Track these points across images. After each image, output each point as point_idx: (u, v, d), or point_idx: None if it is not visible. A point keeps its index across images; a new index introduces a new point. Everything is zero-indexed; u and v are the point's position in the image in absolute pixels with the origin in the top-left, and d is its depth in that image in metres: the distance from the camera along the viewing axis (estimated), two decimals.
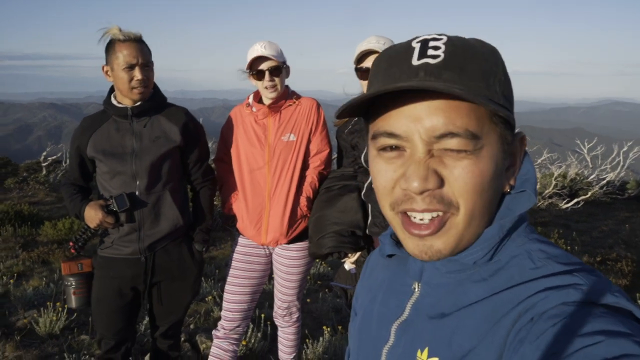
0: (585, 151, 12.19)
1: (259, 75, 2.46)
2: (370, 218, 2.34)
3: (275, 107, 2.52)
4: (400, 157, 0.67)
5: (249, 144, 2.54)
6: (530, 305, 0.62)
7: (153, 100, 2.34)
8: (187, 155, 2.44)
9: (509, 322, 0.63)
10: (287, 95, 2.56)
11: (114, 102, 2.32)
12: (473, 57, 0.65)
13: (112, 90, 2.36)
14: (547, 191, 10.18)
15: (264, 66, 2.44)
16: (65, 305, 3.58)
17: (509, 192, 0.72)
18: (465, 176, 0.65)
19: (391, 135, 0.67)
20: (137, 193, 2.28)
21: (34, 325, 3.58)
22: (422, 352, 0.70)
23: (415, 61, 0.66)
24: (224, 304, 2.67)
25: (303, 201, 2.58)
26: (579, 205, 9.59)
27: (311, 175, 2.61)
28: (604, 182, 10.92)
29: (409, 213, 0.68)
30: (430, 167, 0.65)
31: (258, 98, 2.60)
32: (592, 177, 11.40)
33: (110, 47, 2.23)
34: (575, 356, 0.54)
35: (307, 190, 2.60)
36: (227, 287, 2.66)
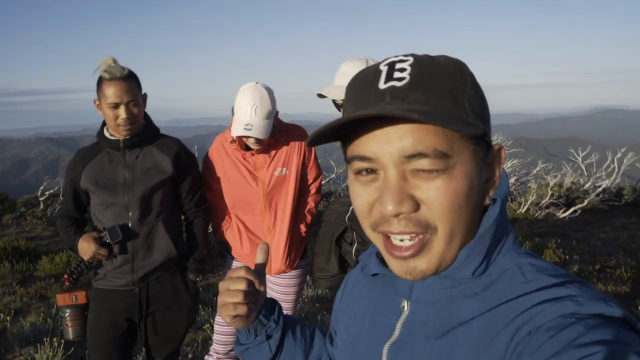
0: (580, 159, 12.24)
1: (242, 142, 2.47)
2: (355, 245, 2.38)
3: (262, 147, 2.50)
4: (375, 180, 0.68)
5: (241, 178, 2.53)
6: (527, 319, 0.62)
7: (145, 132, 2.36)
8: (180, 186, 2.44)
9: (507, 337, 0.63)
10: (273, 129, 2.49)
11: (106, 134, 2.34)
12: (439, 75, 0.66)
13: (105, 122, 2.37)
14: (543, 201, 10.18)
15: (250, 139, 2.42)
16: (62, 340, 3.54)
17: (491, 205, 0.73)
18: (439, 197, 0.65)
19: (363, 158, 0.68)
20: (129, 224, 2.29)
21: None
22: None
23: (382, 85, 0.67)
24: (216, 327, 2.66)
25: (303, 228, 2.64)
26: (577, 214, 9.60)
27: (310, 203, 2.66)
28: (600, 189, 10.94)
29: (389, 234, 0.69)
30: (405, 191, 0.66)
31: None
32: (588, 185, 11.42)
33: (98, 83, 2.25)
34: None
35: (307, 217, 2.65)
36: (217, 319, 2.65)
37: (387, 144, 0.65)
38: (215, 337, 2.67)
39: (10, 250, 7.05)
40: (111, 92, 2.20)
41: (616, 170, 11.70)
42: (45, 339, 3.73)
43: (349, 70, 2.31)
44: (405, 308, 0.77)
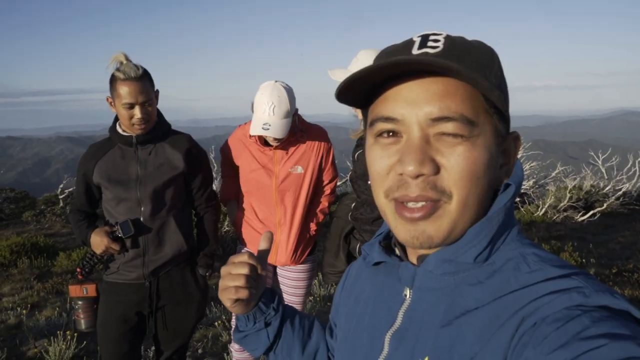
0: (600, 162, 12.04)
1: (260, 137, 2.48)
2: (359, 244, 2.38)
3: (281, 144, 2.52)
4: (396, 143, 0.68)
5: (256, 170, 2.56)
6: (533, 310, 0.62)
7: (157, 129, 2.38)
8: (191, 181, 2.47)
9: (512, 327, 0.62)
10: (294, 128, 2.51)
11: (119, 130, 2.37)
12: (471, 50, 0.68)
13: (117, 118, 2.40)
14: (562, 204, 10.03)
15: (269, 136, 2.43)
16: (75, 334, 3.60)
17: (501, 190, 0.73)
18: (460, 163, 0.65)
19: (388, 119, 0.68)
20: (141, 219, 2.32)
21: (44, 354, 3.60)
22: None
23: (415, 51, 0.67)
24: (234, 319, 2.69)
25: (313, 227, 2.66)
26: (596, 218, 9.43)
27: (323, 203, 2.69)
28: (620, 192, 10.74)
29: (403, 201, 0.68)
30: (427, 153, 0.65)
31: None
32: (607, 188, 11.22)
33: (112, 81, 2.26)
34: (580, 359, 0.54)
35: (318, 216, 2.68)
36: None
37: (415, 107, 0.66)
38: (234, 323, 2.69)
39: (29, 247, 7.19)
40: (126, 92, 2.21)
41: (637, 173, 11.49)
42: (59, 332, 3.78)
43: (362, 57, 2.30)
44: (408, 296, 0.76)
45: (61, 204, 11.67)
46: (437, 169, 0.66)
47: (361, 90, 0.71)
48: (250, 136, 2.54)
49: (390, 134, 0.68)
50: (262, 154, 2.55)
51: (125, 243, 2.31)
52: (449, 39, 0.68)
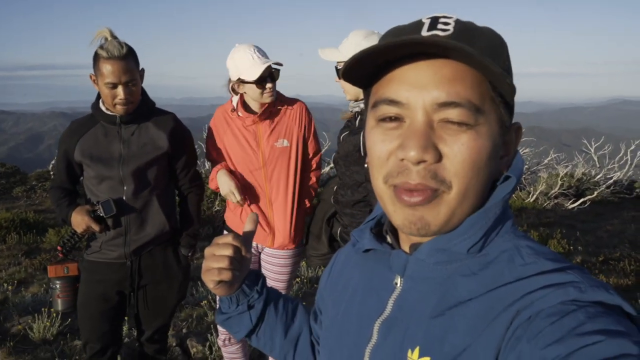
0: (593, 150, 12.08)
1: (261, 83, 2.43)
2: (340, 227, 2.37)
3: (264, 113, 2.50)
4: (398, 127, 0.66)
5: (240, 149, 2.53)
6: (528, 303, 0.61)
7: (141, 108, 2.33)
8: (175, 161, 2.44)
9: (507, 320, 0.61)
10: (274, 100, 2.54)
11: (102, 108, 2.32)
12: (482, 35, 0.66)
13: (100, 95, 2.34)
14: (553, 191, 10.08)
15: (265, 73, 2.41)
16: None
17: (500, 181, 0.71)
18: (464, 152, 0.64)
19: (392, 102, 0.66)
20: (124, 198, 2.29)
21: (28, 331, 3.60)
22: (412, 351, 0.68)
23: (424, 32, 0.65)
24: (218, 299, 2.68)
25: (307, 203, 2.66)
26: (586, 205, 9.49)
27: (312, 178, 2.67)
28: (611, 181, 10.80)
29: (408, 188, 0.66)
30: (430, 139, 0.64)
31: (243, 104, 2.57)
32: (599, 176, 11.28)
33: (95, 59, 2.20)
34: (575, 355, 0.53)
35: (310, 193, 2.67)
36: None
37: (422, 90, 0.64)
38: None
39: (18, 222, 7.16)
40: (109, 71, 2.15)
41: (629, 162, 11.54)
42: (44, 309, 3.78)
43: (354, 38, 2.27)
44: (398, 285, 0.75)
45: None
46: (439, 157, 0.64)
47: (365, 70, 0.69)
48: (232, 110, 2.55)
49: (393, 118, 0.66)
50: (245, 130, 2.52)
51: (107, 222, 2.28)
52: (459, 22, 0.66)
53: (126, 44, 2.21)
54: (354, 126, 2.28)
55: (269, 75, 2.44)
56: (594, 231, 7.70)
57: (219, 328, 2.70)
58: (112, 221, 2.28)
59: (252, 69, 2.40)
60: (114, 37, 2.22)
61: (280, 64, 2.46)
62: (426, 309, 0.69)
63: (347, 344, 0.80)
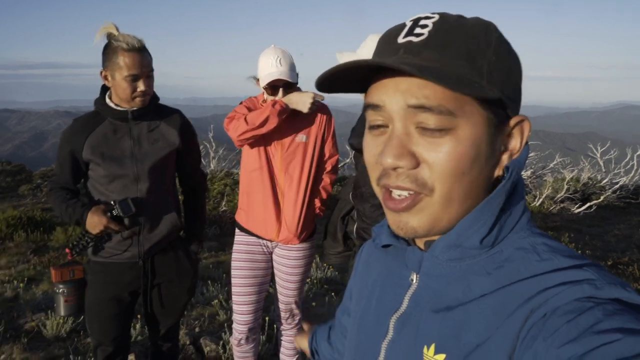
0: (599, 155, 12.07)
1: (273, 91, 2.48)
2: (356, 224, 2.38)
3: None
4: (383, 134, 0.68)
5: (262, 139, 2.56)
6: (543, 301, 0.60)
7: (150, 104, 2.29)
8: (184, 158, 2.42)
9: (522, 317, 0.61)
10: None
11: (110, 104, 2.25)
12: (459, 35, 0.65)
13: (104, 89, 2.28)
14: (559, 195, 10.07)
15: (278, 83, 2.46)
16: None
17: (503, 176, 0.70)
18: (442, 159, 0.64)
19: (374, 107, 0.68)
20: (138, 196, 2.25)
21: (42, 328, 3.61)
22: (428, 348, 0.68)
23: (400, 39, 0.67)
24: (235, 307, 2.68)
25: (318, 203, 2.67)
26: (592, 210, 9.48)
27: (325, 180, 2.69)
28: (617, 186, 10.78)
29: (389, 189, 0.69)
30: (405, 146, 0.65)
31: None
32: (605, 181, 11.26)
33: (110, 52, 2.14)
34: (592, 354, 0.52)
35: (322, 193, 2.68)
36: (234, 289, 2.67)
37: (395, 94, 0.65)
38: (235, 317, 2.69)
39: (25, 220, 7.19)
40: (130, 63, 2.12)
41: (635, 167, 11.52)
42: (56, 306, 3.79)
43: (370, 42, 2.30)
44: (414, 281, 0.75)
45: None
46: (416, 163, 0.65)
47: (353, 80, 0.71)
48: (263, 102, 2.58)
49: (380, 126, 0.69)
50: None
51: (125, 222, 2.21)
52: (439, 22, 0.65)
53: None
54: None
55: (283, 86, 2.47)
56: (601, 236, 7.69)
57: (234, 327, 2.70)
58: (129, 221, 2.22)
59: (267, 75, 2.46)
60: (121, 33, 2.17)
61: (293, 83, 2.49)
62: (440, 305, 0.69)
63: (365, 339, 0.81)
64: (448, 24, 0.66)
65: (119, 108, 2.25)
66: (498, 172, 0.70)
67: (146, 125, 2.28)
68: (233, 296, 2.68)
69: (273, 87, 2.47)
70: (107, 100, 2.27)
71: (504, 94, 0.67)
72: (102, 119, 2.26)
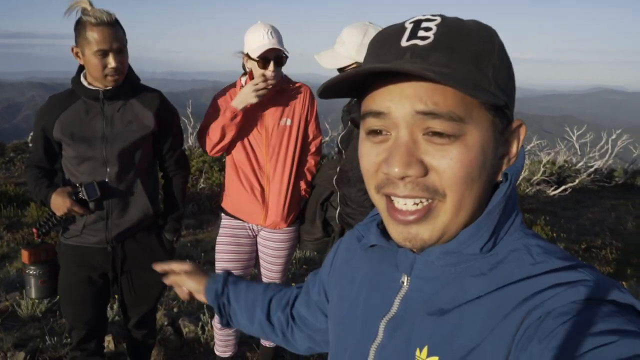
0: (575, 139, 12.25)
1: (264, 63, 2.41)
2: (339, 209, 2.36)
3: (272, 91, 2.49)
4: (385, 141, 0.66)
5: (246, 126, 2.51)
6: (538, 302, 0.60)
7: (126, 83, 2.20)
8: (161, 142, 2.32)
9: (517, 319, 0.61)
10: (281, 80, 2.54)
11: (84, 82, 2.17)
12: (465, 39, 0.63)
13: (81, 68, 2.21)
14: (535, 178, 10.23)
15: (270, 55, 2.40)
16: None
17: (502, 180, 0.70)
18: (453, 167, 0.62)
19: (376, 114, 0.65)
20: (107, 180, 2.16)
21: (16, 307, 3.55)
22: (421, 350, 0.68)
23: (404, 42, 0.64)
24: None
25: (303, 185, 2.65)
26: (567, 193, 9.67)
27: (310, 161, 2.68)
28: (592, 169, 11.00)
29: (392, 197, 0.66)
30: (414, 154, 0.63)
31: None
32: (580, 164, 11.47)
33: (80, 28, 2.06)
34: (588, 356, 0.53)
35: (307, 175, 2.67)
36: (217, 264, 2.66)
37: (401, 99, 0.63)
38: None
39: None
40: (99, 38, 2.03)
41: (609, 151, 11.75)
42: None
43: (347, 39, 2.26)
44: (405, 283, 0.74)
45: None
46: (424, 171, 0.63)
47: (350, 87, 0.69)
48: (241, 87, 2.53)
49: (380, 132, 0.66)
50: (250, 107, 2.50)
51: (89, 206, 2.14)
52: (442, 25, 0.64)
53: (114, 13, 2.09)
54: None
55: (274, 59, 2.41)
56: (576, 219, 7.86)
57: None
58: (95, 205, 2.14)
59: (259, 47, 2.39)
60: (93, 7, 2.08)
61: (286, 54, 2.45)
62: (434, 309, 0.69)
63: (352, 341, 0.80)
64: (452, 27, 0.64)
65: (91, 87, 2.17)
66: (498, 177, 0.70)
67: (120, 106, 2.19)
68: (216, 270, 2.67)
69: (265, 59, 2.40)
70: (82, 78, 2.19)
71: (507, 97, 0.66)
72: (76, 98, 2.20)
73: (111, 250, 2.26)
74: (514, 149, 0.70)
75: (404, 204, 0.66)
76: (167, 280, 1.22)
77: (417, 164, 0.63)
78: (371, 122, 0.67)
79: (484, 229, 0.67)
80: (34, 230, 2.25)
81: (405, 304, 0.73)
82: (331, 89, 0.69)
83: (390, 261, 0.78)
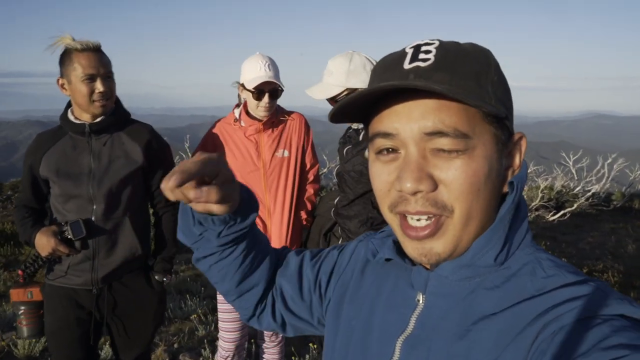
0: (571, 163, 12.32)
1: (259, 95, 2.43)
2: (341, 240, 2.36)
3: (267, 122, 2.51)
4: (395, 160, 0.68)
5: (241, 159, 2.52)
6: (552, 317, 0.61)
7: (114, 116, 2.16)
8: (150, 178, 2.24)
9: (532, 334, 0.61)
10: (276, 111, 2.56)
11: (71, 117, 2.15)
12: (464, 58, 0.67)
13: (69, 104, 2.20)
14: (533, 204, 10.23)
15: (265, 88, 2.42)
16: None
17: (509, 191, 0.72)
18: (459, 177, 0.65)
19: (385, 135, 0.68)
20: (93, 219, 2.10)
21: (12, 347, 3.48)
22: None
23: (406, 65, 0.67)
24: (221, 325, 2.63)
25: (304, 215, 2.65)
26: (566, 217, 9.65)
27: (309, 190, 2.68)
28: (590, 193, 11.01)
29: (406, 215, 0.68)
30: (424, 170, 0.65)
31: (247, 112, 2.56)
32: (577, 189, 11.49)
33: (66, 57, 2.06)
34: None
35: (307, 204, 2.67)
36: (220, 306, 2.62)
37: (408, 120, 0.66)
38: (221, 334, 2.63)
39: None
40: (85, 63, 2.02)
41: (606, 175, 11.79)
42: None
43: (334, 68, 2.30)
44: (420, 302, 0.75)
45: None
46: (434, 185, 0.66)
47: (358, 109, 0.72)
48: (235, 120, 2.54)
49: (390, 150, 0.69)
50: (246, 140, 2.51)
51: (75, 245, 2.08)
52: (441, 48, 0.68)
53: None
54: (356, 139, 2.27)
55: (269, 92, 2.43)
56: (576, 243, 7.82)
57: (221, 345, 2.63)
58: (80, 244, 2.08)
59: (254, 78, 2.41)
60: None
61: (282, 88, 2.47)
62: (450, 326, 0.69)
63: (365, 359, 0.79)
64: (450, 49, 0.68)
65: (77, 121, 2.14)
66: (505, 188, 0.72)
67: (107, 139, 2.15)
68: (219, 314, 2.63)
69: (259, 91, 2.43)
70: (69, 114, 2.17)
71: (507, 110, 0.70)
72: (63, 134, 2.17)
73: (96, 293, 2.18)
74: (517, 160, 0.73)
75: (417, 220, 0.68)
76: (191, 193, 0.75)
77: (428, 179, 0.65)
78: (380, 142, 0.69)
79: (496, 237, 0.69)
80: (20, 271, 2.20)
81: (422, 322, 0.73)
82: (342, 111, 0.72)
83: (405, 279, 0.79)
